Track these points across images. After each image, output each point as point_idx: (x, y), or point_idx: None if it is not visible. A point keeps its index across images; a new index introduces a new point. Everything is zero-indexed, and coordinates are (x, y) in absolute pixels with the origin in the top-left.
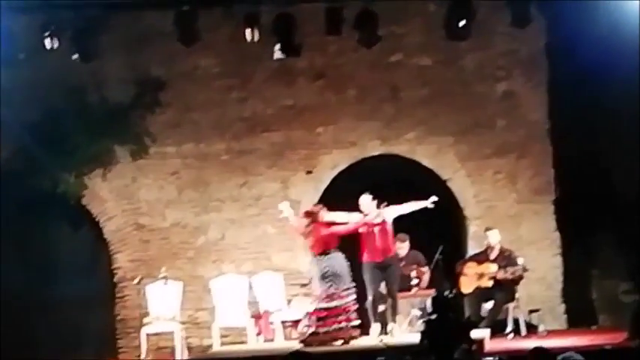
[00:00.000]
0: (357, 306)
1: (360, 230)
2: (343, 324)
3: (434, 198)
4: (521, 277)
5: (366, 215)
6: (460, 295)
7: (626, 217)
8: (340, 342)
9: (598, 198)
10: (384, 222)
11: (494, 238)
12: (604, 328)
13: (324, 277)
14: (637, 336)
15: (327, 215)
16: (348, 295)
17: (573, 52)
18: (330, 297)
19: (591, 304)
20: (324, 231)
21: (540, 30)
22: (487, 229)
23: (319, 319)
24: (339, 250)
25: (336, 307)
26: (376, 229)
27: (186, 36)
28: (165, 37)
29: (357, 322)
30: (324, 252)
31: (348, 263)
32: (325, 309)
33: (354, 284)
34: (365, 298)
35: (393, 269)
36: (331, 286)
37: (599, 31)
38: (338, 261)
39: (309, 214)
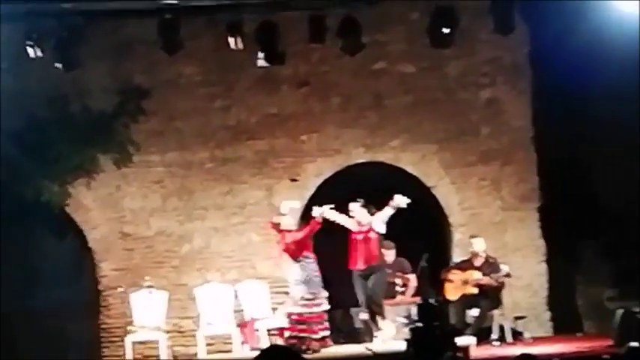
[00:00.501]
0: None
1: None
2: (320, 333)
3: (406, 199)
4: (503, 283)
5: (358, 222)
6: (445, 303)
7: (611, 223)
8: (311, 351)
9: (582, 205)
10: (368, 230)
11: (479, 245)
12: (589, 334)
13: (304, 281)
14: (622, 343)
15: (328, 213)
16: (322, 304)
17: (557, 59)
18: (309, 302)
19: (576, 310)
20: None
21: (524, 37)
22: (472, 237)
23: (299, 322)
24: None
25: (313, 313)
26: (360, 237)
27: (170, 44)
28: (149, 45)
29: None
30: (303, 256)
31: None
32: (304, 314)
33: (326, 292)
34: (335, 306)
35: (377, 277)
36: (309, 291)
37: (583, 39)
38: (313, 267)
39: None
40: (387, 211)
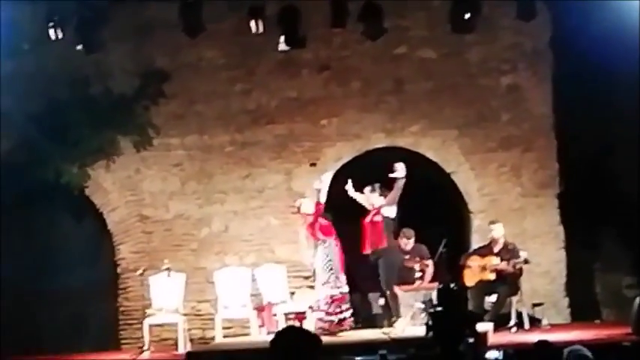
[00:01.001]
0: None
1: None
2: (346, 313)
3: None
4: (521, 270)
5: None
6: (464, 288)
7: (630, 211)
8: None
9: (602, 192)
10: (376, 213)
11: (499, 231)
12: (607, 322)
13: (322, 265)
14: None
15: (351, 192)
16: (340, 287)
17: (578, 46)
18: (333, 284)
19: (595, 298)
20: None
21: (545, 24)
22: (491, 223)
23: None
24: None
25: (341, 294)
26: (367, 220)
27: (191, 27)
28: (170, 28)
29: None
30: (321, 239)
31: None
32: (335, 295)
33: (343, 276)
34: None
35: (386, 261)
36: (332, 273)
37: (605, 26)
38: (329, 250)
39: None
40: (395, 192)
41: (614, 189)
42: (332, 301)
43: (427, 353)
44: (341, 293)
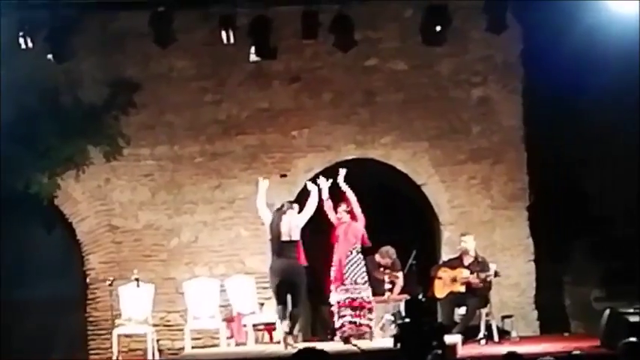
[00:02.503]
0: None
1: None
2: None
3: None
4: (491, 282)
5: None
6: (434, 300)
7: (600, 224)
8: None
9: (571, 205)
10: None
11: (469, 244)
12: (576, 334)
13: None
14: (609, 343)
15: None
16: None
17: (549, 59)
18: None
19: (564, 310)
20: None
21: (516, 36)
22: (462, 235)
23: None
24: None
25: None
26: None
27: (162, 37)
28: (141, 38)
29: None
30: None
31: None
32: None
33: None
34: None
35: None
36: None
37: (575, 39)
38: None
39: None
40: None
41: (583, 202)
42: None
43: None
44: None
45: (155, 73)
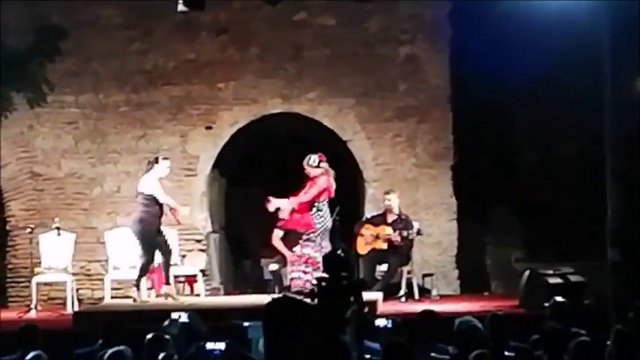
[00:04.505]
0: None
1: None
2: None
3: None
4: (413, 241)
5: None
6: (356, 256)
7: (522, 186)
8: None
9: (496, 166)
10: None
11: (393, 201)
12: (496, 294)
13: None
14: (527, 303)
15: None
16: None
17: (477, 20)
18: None
19: (484, 270)
20: None
21: None
22: (386, 192)
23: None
24: None
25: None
26: None
27: None
28: None
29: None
30: None
31: None
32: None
33: None
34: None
35: None
36: None
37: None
38: None
39: None
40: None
41: (507, 163)
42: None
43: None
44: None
45: (81, 20)
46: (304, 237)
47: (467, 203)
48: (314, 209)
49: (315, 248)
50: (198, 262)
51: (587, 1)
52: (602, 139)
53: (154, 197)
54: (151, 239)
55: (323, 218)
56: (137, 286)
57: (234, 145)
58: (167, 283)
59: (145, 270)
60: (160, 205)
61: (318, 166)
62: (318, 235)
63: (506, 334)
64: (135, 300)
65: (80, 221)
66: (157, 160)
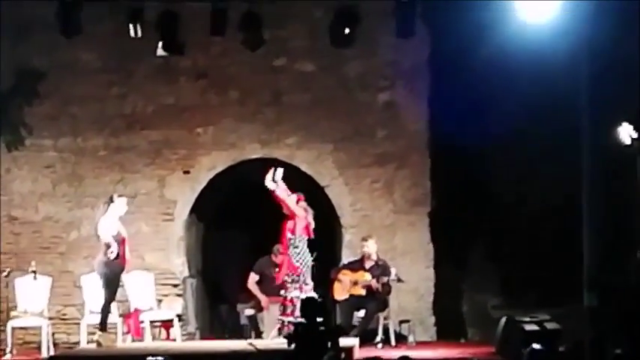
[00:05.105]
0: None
1: None
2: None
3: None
4: (391, 287)
5: None
6: (333, 302)
7: (499, 232)
8: None
9: (472, 213)
10: None
11: (371, 247)
12: (473, 341)
13: None
14: (504, 350)
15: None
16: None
17: (456, 66)
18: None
19: (461, 317)
20: None
21: (424, 42)
22: (364, 239)
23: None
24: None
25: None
26: None
27: (68, 28)
28: (47, 27)
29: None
30: None
31: None
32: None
33: None
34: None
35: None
36: None
37: (482, 47)
38: None
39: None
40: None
41: (484, 210)
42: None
43: None
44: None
45: (61, 63)
46: (288, 280)
47: (444, 249)
48: (290, 247)
49: (302, 288)
50: (174, 306)
51: (566, 48)
52: (579, 185)
53: (115, 237)
54: (115, 280)
55: (300, 256)
56: (102, 329)
57: (212, 190)
58: (103, 329)
59: (106, 311)
60: (124, 245)
61: (296, 204)
62: (301, 274)
63: None
64: (100, 344)
65: (57, 265)
66: (112, 199)
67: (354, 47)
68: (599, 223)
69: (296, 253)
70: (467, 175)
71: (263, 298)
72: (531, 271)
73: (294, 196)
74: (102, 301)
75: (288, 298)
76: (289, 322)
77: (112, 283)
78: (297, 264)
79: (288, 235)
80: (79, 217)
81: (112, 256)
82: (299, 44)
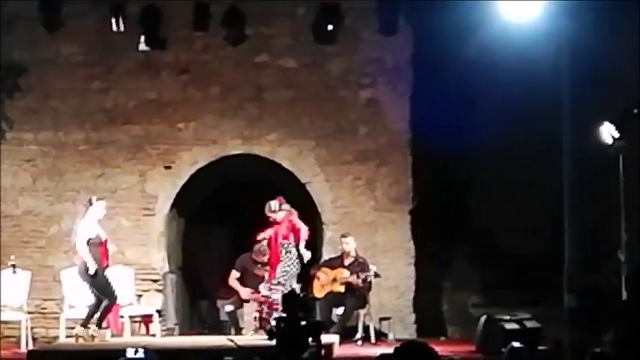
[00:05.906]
0: None
1: None
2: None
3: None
4: (370, 284)
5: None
6: (313, 299)
7: (480, 231)
8: None
9: (454, 211)
10: None
11: (350, 244)
12: (453, 339)
13: None
14: (484, 348)
15: None
16: None
17: (438, 64)
18: None
19: (441, 315)
20: None
21: (407, 40)
22: (343, 236)
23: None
24: None
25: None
26: None
27: (50, 22)
28: (29, 21)
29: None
30: None
31: None
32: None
33: None
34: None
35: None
36: None
37: (465, 46)
38: None
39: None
40: None
41: (466, 208)
42: None
43: None
44: None
45: (43, 57)
46: (274, 281)
47: (425, 247)
48: (283, 252)
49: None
50: (154, 302)
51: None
52: (561, 184)
53: (95, 239)
54: (105, 284)
55: (292, 261)
56: (98, 324)
57: (193, 186)
58: (85, 325)
59: (96, 310)
60: (104, 246)
61: (280, 210)
62: (288, 278)
63: None
64: (84, 339)
65: (36, 259)
66: (90, 202)
67: (337, 44)
68: (579, 223)
69: (289, 258)
70: (448, 173)
71: (245, 291)
72: (512, 270)
73: (289, 208)
74: (107, 303)
75: (270, 299)
76: (267, 316)
77: (105, 288)
78: (288, 268)
79: (281, 240)
80: (59, 211)
81: (92, 272)
82: (281, 41)
